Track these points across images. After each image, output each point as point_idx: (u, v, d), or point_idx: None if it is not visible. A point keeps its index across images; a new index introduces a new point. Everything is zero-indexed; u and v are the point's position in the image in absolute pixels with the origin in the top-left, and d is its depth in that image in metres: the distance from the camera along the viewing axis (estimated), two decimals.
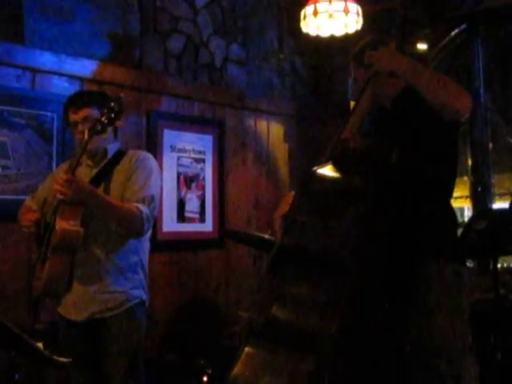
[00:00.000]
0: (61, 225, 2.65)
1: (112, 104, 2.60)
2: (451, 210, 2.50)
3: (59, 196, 2.63)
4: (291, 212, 2.24)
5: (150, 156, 3.02)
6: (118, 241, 2.82)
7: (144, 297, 2.91)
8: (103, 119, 2.57)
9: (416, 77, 2.30)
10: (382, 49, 2.42)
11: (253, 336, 2.13)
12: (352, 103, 2.59)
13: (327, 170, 2.28)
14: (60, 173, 2.79)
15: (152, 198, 2.82)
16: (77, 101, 2.90)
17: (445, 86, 2.25)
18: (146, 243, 2.96)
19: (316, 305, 2.06)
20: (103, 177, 2.83)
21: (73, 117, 2.86)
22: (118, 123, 2.84)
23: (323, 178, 2.27)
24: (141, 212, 2.73)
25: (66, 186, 2.58)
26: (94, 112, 2.80)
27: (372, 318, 2.21)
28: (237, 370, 2.03)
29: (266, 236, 3.68)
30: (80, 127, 2.79)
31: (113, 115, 2.57)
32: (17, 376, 2.37)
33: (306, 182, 2.29)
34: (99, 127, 2.58)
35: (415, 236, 2.32)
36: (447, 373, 2.23)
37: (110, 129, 2.72)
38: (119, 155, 2.94)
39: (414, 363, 2.26)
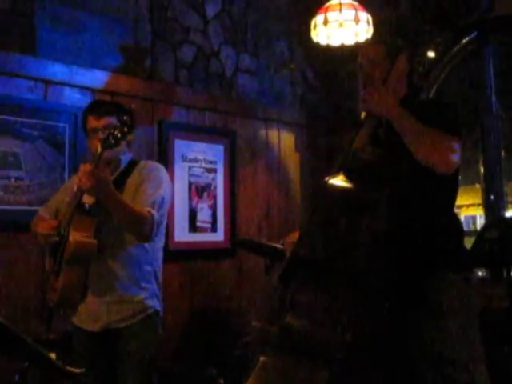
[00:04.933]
0: (74, 236, 2.67)
1: (125, 118, 2.60)
2: (457, 219, 2.49)
3: (80, 185, 2.62)
4: (303, 222, 2.24)
5: (160, 166, 3.03)
6: (132, 251, 2.82)
7: (158, 306, 2.91)
8: (116, 133, 2.56)
9: (403, 128, 2.27)
10: (378, 88, 2.40)
11: (267, 346, 2.13)
12: (363, 113, 2.58)
13: (339, 181, 2.28)
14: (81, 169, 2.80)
15: (161, 204, 2.82)
16: (99, 108, 2.94)
17: (429, 144, 2.23)
18: (159, 253, 2.97)
19: (330, 313, 2.06)
20: (116, 188, 2.83)
21: (94, 123, 2.87)
22: (130, 137, 2.85)
23: (335, 189, 2.27)
24: (152, 216, 2.74)
25: (89, 177, 2.57)
26: (114, 122, 2.81)
27: (385, 326, 2.20)
28: (252, 380, 2.03)
29: (278, 245, 3.67)
30: (100, 134, 2.80)
31: (126, 129, 2.58)
32: (17, 377, 2.37)
33: (318, 192, 2.29)
34: (112, 141, 2.58)
35: (425, 245, 2.31)
36: (461, 380, 2.22)
37: (123, 142, 2.71)
38: (131, 166, 2.95)
39: (427, 371, 2.24)
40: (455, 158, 2.27)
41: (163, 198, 2.86)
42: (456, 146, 2.26)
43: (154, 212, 2.76)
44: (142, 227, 2.75)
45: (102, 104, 3.08)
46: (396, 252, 2.21)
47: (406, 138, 2.25)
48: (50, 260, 2.87)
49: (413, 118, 2.28)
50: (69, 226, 2.72)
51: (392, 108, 2.33)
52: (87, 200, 2.78)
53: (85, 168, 2.61)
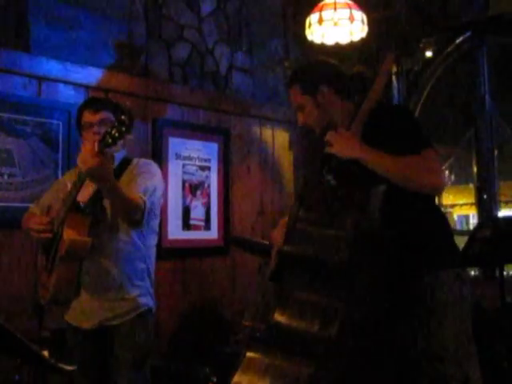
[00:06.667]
0: (68, 234, 2.66)
1: (123, 117, 2.57)
2: (443, 217, 2.50)
3: (80, 165, 2.58)
4: (291, 220, 2.25)
5: (153, 163, 3.04)
6: (125, 249, 2.82)
7: (151, 304, 2.91)
8: (114, 132, 2.52)
9: (379, 166, 2.24)
10: (340, 133, 2.37)
11: (254, 341, 2.14)
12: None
13: (326, 178, 2.30)
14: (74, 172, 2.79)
15: (153, 192, 2.82)
16: (96, 103, 2.94)
17: (409, 172, 2.21)
18: (152, 250, 2.97)
19: (316, 309, 2.07)
20: None
21: (89, 117, 2.86)
22: (128, 137, 2.84)
23: (322, 187, 2.28)
24: (144, 202, 2.74)
25: (93, 157, 2.51)
26: (110, 117, 2.81)
27: (374, 322, 2.22)
28: (238, 375, 2.04)
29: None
30: (96, 129, 2.79)
31: (124, 129, 2.53)
32: (17, 377, 2.37)
33: (306, 190, 2.30)
34: (110, 141, 2.53)
35: (414, 242, 2.32)
36: (455, 376, 2.23)
37: (120, 142, 2.67)
38: (125, 163, 2.95)
39: (420, 367, 2.25)
40: (441, 175, 2.27)
41: (155, 188, 2.85)
42: (434, 161, 2.25)
43: (145, 198, 2.76)
44: (134, 213, 2.74)
45: (98, 99, 3.09)
46: (385, 249, 2.23)
47: (384, 175, 2.22)
48: (42, 257, 2.87)
49: (381, 154, 2.24)
50: (63, 223, 2.72)
51: (358, 151, 2.29)
52: (81, 198, 2.77)
53: (88, 147, 2.54)
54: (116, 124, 2.51)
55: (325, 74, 2.54)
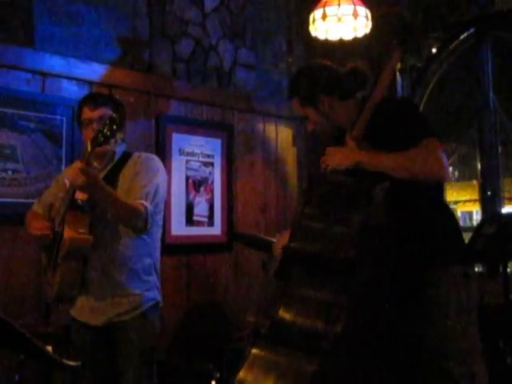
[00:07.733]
0: (69, 233, 2.67)
1: (114, 116, 2.58)
2: (450, 212, 2.50)
3: (72, 182, 2.61)
4: (297, 217, 2.25)
5: (154, 157, 3.04)
6: (131, 244, 2.82)
7: (158, 298, 2.92)
8: (105, 131, 2.53)
9: (380, 165, 2.26)
10: (332, 150, 2.40)
11: (259, 338, 2.14)
12: None
13: (331, 174, 2.31)
14: (70, 170, 2.79)
15: (155, 193, 2.82)
16: (95, 99, 2.94)
17: (411, 164, 2.23)
18: (157, 244, 2.97)
19: (321, 306, 2.07)
20: (110, 182, 2.82)
21: (89, 114, 2.86)
22: (121, 135, 2.84)
23: (328, 183, 2.29)
24: (145, 208, 2.74)
25: (79, 174, 2.55)
26: (109, 113, 2.81)
27: (378, 319, 2.22)
28: (243, 371, 2.05)
29: (275, 240, 3.67)
30: (95, 125, 2.79)
31: (115, 127, 2.54)
32: (17, 377, 2.38)
33: (311, 186, 2.31)
34: (101, 139, 2.54)
35: (421, 238, 2.32)
36: (460, 373, 2.23)
37: (112, 140, 2.66)
38: (125, 158, 2.95)
39: (425, 364, 2.25)
40: (443, 161, 2.26)
41: (157, 188, 2.85)
42: (435, 149, 2.26)
43: (147, 204, 2.75)
44: (136, 220, 2.75)
45: (98, 95, 3.09)
46: (391, 246, 2.22)
47: (387, 172, 2.23)
48: (45, 256, 2.87)
49: (379, 153, 2.27)
50: (63, 222, 2.72)
51: (355, 156, 2.32)
52: (80, 196, 2.77)
53: (76, 165, 2.61)
54: (107, 122, 2.52)
55: (321, 82, 2.55)
